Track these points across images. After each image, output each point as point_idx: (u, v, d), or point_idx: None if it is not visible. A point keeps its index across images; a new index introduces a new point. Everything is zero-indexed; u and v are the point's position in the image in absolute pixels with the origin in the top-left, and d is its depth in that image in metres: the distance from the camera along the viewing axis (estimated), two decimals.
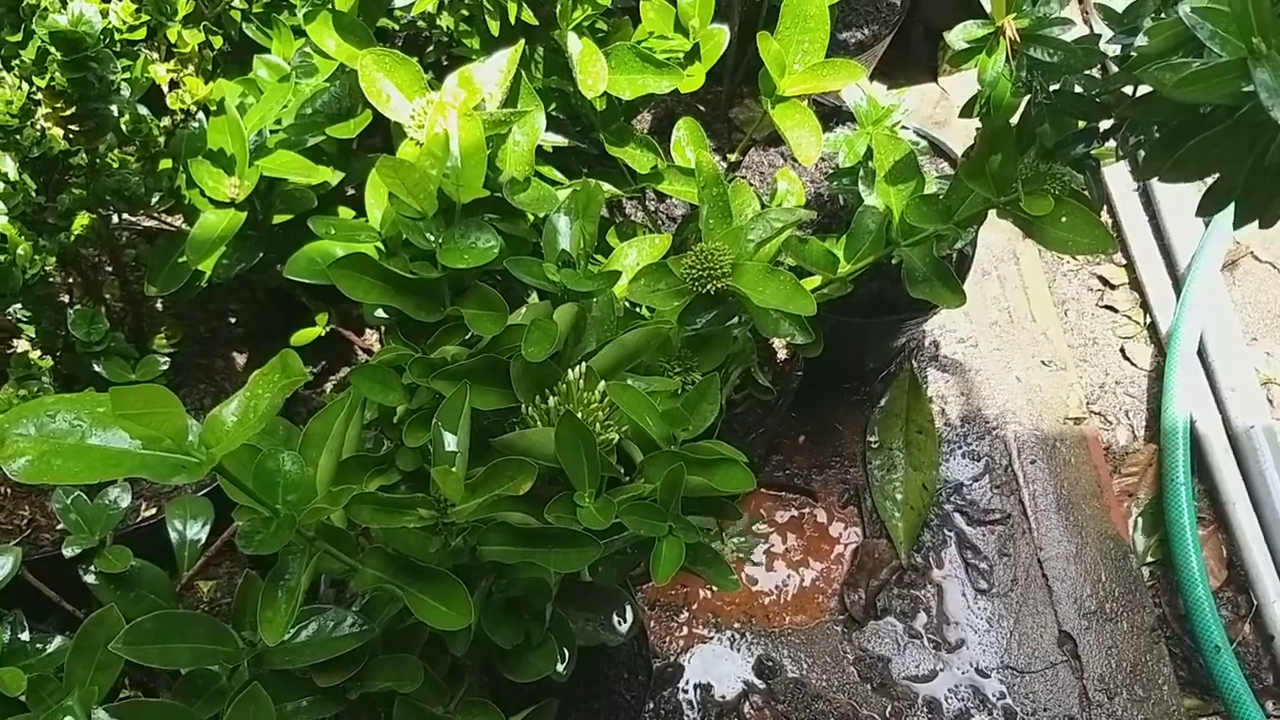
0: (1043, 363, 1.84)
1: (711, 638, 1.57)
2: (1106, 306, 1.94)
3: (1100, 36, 1.02)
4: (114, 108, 1.03)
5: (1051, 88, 1.07)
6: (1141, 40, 0.80)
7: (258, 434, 0.99)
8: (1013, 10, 1.04)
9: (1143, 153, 0.98)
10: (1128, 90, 1.00)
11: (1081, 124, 1.10)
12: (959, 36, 1.06)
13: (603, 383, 0.99)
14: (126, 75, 1.05)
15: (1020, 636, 1.59)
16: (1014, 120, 1.11)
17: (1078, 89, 1.07)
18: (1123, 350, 1.88)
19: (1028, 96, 1.09)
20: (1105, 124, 1.10)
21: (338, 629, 0.93)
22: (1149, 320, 1.90)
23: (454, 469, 0.87)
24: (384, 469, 1.00)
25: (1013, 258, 1.94)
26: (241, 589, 0.97)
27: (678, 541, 0.94)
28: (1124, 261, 1.97)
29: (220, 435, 0.73)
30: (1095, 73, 1.08)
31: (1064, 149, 1.11)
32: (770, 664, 1.55)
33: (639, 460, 0.98)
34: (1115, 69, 1.02)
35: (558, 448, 0.91)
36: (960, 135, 1.67)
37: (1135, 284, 1.94)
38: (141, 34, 1.07)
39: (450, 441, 0.91)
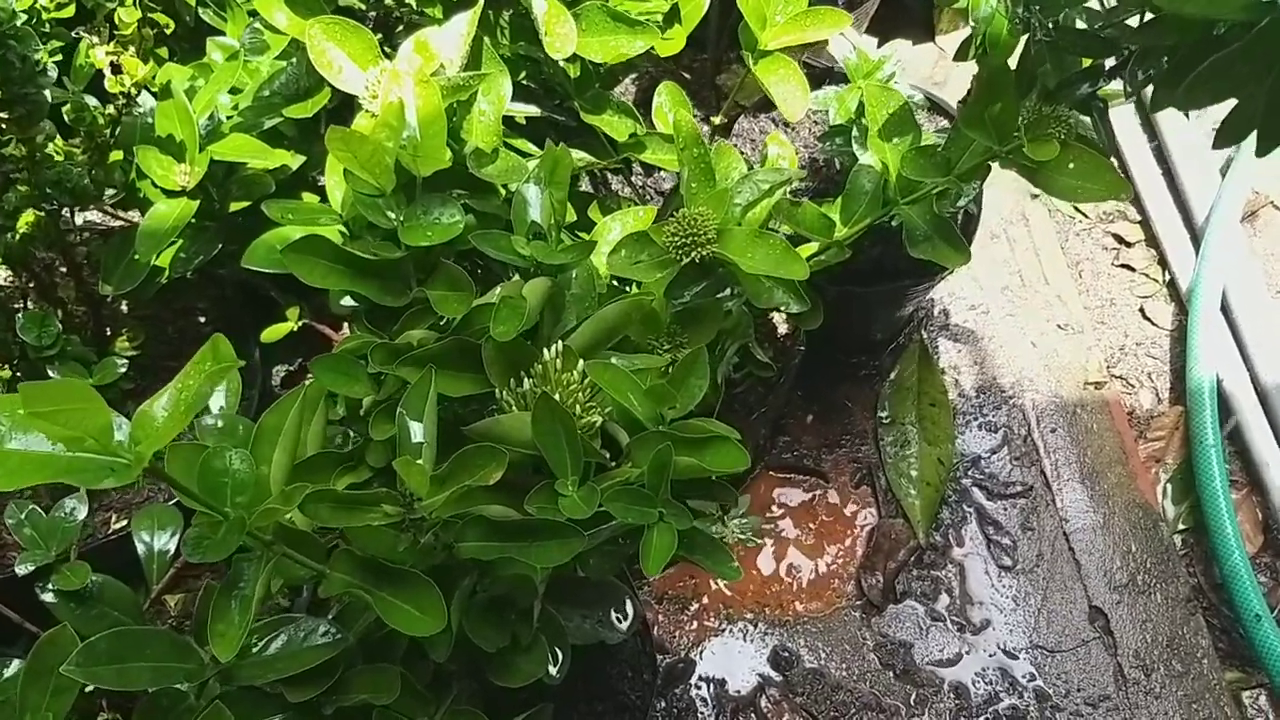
0: (1058, 326, 1.77)
1: (723, 630, 1.50)
2: (1123, 265, 1.86)
3: None
4: (46, 92, 0.97)
5: (1050, 23, 1.00)
6: None
7: (216, 436, 0.94)
8: None
9: (1153, 87, 0.91)
10: (1133, 22, 0.93)
11: (1085, 62, 1.03)
12: None
13: (582, 362, 0.92)
14: (57, 57, 0.99)
15: (1049, 614, 1.51)
16: (1012, 61, 1.04)
17: (1079, 24, 1.00)
18: (1142, 310, 1.80)
19: (1026, 35, 1.02)
20: (1110, 61, 1.03)
21: (309, 639, 0.87)
22: (1168, 277, 1.82)
23: (419, 461, 0.81)
24: (354, 466, 0.94)
25: (1022, 219, 1.86)
26: (202, 600, 0.90)
27: (669, 528, 0.87)
28: (1139, 218, 1.89)
29: (149, 431, 0.66)
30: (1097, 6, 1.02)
31: (1067, 89, 1.04)
32: (786, 655, 1.48)
33: (625, 443, 0.92)
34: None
35: (535, 433, 0.85)
36: (960, 93, 1.59)
37: (1152, 240, 1.86)
38: (70, 12, 1.01)
39: (416, 432, 0.84)
